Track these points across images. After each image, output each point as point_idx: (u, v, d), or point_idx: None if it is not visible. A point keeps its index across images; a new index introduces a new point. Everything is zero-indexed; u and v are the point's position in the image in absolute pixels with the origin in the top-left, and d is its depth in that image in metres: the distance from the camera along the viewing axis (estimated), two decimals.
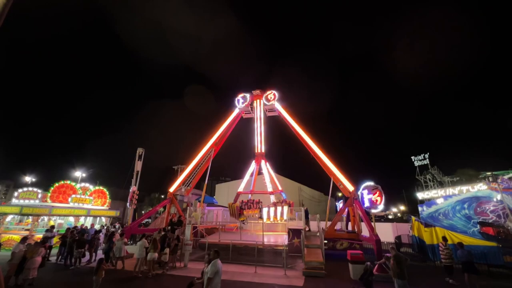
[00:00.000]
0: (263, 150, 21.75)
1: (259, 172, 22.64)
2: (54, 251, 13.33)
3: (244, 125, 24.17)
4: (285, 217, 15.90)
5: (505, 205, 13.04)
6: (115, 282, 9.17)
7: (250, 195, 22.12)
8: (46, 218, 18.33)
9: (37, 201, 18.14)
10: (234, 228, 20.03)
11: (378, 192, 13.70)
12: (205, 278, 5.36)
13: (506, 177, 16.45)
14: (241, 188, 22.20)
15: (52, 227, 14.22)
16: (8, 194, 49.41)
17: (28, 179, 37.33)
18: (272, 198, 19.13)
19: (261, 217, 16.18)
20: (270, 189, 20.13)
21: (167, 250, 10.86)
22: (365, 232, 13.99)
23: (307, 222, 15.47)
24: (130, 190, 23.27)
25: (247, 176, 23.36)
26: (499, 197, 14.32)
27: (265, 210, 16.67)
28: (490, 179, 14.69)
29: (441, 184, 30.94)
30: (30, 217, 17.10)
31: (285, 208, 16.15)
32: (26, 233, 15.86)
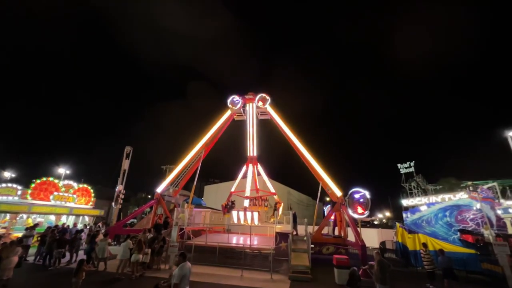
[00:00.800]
0: (255, 154, 21.67)
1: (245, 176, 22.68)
2: (32, 250, 12.77)
3: (235, 127, 24.13)
4: (256, 222, 16.52)
5: (484, 214, 13.59)
6: (96, 284, 8.88)
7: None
8: (25, 216, 17.57)
9: (16, 198, 17.35)
10: (221, 230, 19.87)
11: (364, 198, 13.98)
12: (172, 281, 5.14)
13: (485, 187, 17.20)
14: (233, 189, 21.93)
15: (35, 225, 13.59)
16: None
17: (7, 174, 35.70)
18: (246, 203, 18.93)
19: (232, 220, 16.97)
20: (247, 193, 19.96)
21: (148, 251, 10.65)
22: (351, 237, 14.20)
23: (294, 226, 15.56)
24: (116, 189, 22.74)
25: (239, 178, 23.11)
26: (478, 206, 14.92)
27: (234, 213, 16.98)
28: (471, 188, 15.28)
29: (425, 192, 31.87)
30: (7, 214, 16.35)
31: (255, 214, 16.81)
32: (3, 231, 15.14)
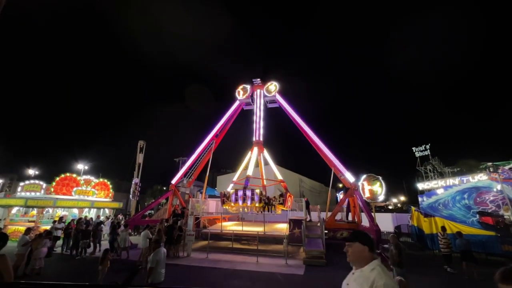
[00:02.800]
0: (261, 139, 20.69)
1: (256, 165, 22.08)
2: (59, 242, 13.60)
3: (245, 117, 24.06)
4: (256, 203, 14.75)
5: (505, 195, 13.11)
6: (120, 272, 9.40)
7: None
8: (50, 210, 18.60)
9: (41, 193, 18.35)
10: (235, 218, 20.31)
11: (378, 183, 13.80)
12: (148, 265, 5.42)
13: (506, 167, 16.48)
14: (235, 178, 21.28)
15: (61, 218, 14.40)
16: (12, 187, 49.95)
17: (31, 172, 37.70)
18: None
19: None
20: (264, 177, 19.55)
21: (164, 238, 11.10)
22: (365, 222, 14.17)
23: (307, 213, 15.67)
24: (133, 182, 23.57)
25: (242, 166, 22.36)
26: (499, 187, 14.39)
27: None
28: (491, 169, 14.71)
29: (441, 175, 30.99)
30: (35, 209, 17.37)
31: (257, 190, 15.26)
32: (32, 224, 16.14)
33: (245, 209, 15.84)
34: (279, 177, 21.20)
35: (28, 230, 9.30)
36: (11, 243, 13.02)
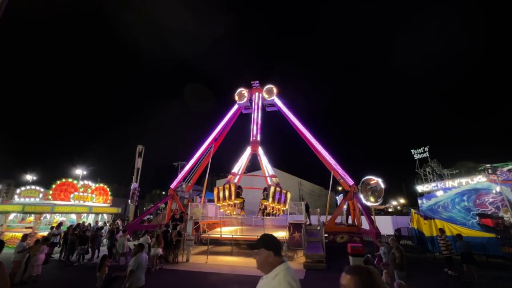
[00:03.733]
0: (257, 138, 20.29)
1: (256, 168, 21.65)
2: (58, 248, 13.44)
3: (244, 121, 24.08)
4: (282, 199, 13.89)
5: (504, 197, 13.13)
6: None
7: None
8: (48, 216, 18.44)
9: (38, 199, 18.21)
10: (236, 223, 20.17)
11: (377, 186, 13.80)
12: (128, 269, 5.42)
13: (505, 169, 16.53)
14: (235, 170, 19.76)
15: (59, 224, 14.23)
16: (9, 193, 49.55)
17: (29, 177, 37.48)
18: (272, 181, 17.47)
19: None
20: (268, 173, 18.16)
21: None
22: (365, 225, 14.12)
23: (307, 216, 15.60)
24: (131, 187, 23.45)
25: (239, 163, 21.89)
26: (498, 189, 14.42)
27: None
28: (490, 171, 14.75)
29: (440, 177, 31.04)
30: (32, 215, 17.21)
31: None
32: (29, 230, 15.97)
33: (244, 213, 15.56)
34: (271, 172, 18.96)
35: (25, 237, 9.20)
36: (8, 250, 12.90)
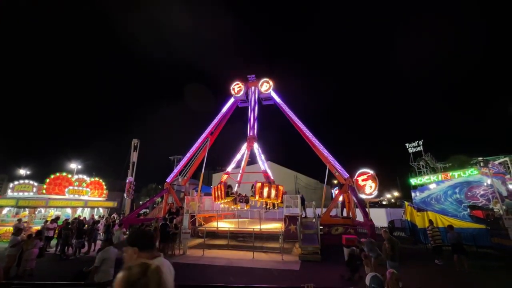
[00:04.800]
0: (255, 134, 20.00)
1: (253, 162, 21.55)
2: (54, 242, 13.41)
3: (241, 115, 23.97)
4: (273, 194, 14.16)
5: (495, 189, 13.43)
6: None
7: (237, 185, 21.55)
8: (43, 210, 18.31)
9: (32, 193, 18.03)
10: (231, 216, 20.32)
11: (371, 179, 13.96)
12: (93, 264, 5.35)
13: (496, 162, 16.86)
14: (229, 169, 19.72)
15: (56, 218, 14.12)
16: (2, 187, 48.96)
17: (22, 172, 36.96)
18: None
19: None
20: (263, 168, 17.72)
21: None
22: (360, 217, 14.34)
23: (303, 209, 15.75)
24: (127, 181, 23.34)
25: (236, 159, 20.85)
26: (489, 181, 14.72)
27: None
28: (481, 164, 15.04)
29: (434, 170, 31.53)
30: (26, 209, 17.07)
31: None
32: (24, 225, 15.86)
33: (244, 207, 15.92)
34: (264, 168, 18.09)
35: (19, 231, 9.14)
36: (2, 244, 12.82)
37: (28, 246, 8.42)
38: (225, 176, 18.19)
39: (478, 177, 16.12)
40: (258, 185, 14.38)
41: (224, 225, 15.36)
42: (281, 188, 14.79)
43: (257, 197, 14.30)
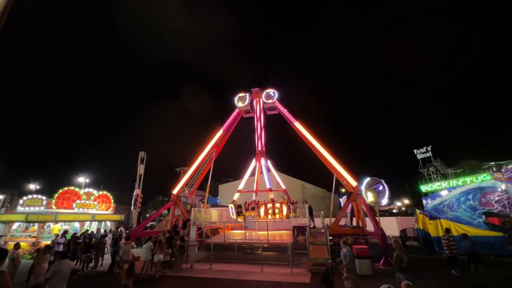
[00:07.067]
0: (263, 148, 21.35)
1: (261, 172, 22.05)
2: None
3: (245, 125, 24.13)
4: (284, 212, 16.15)
5: (510, 195, 12.97)
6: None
7: (254, 195, 21.87)
8: (51, 225, 18.44)
9: (42, 208, 18.25)
10: (238, 227, 20.07)
11: (381, 186, 13.69)
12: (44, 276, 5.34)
13: (510, 166, 16.35)
14: (241, 187, 21.62)
15: (65, 232, 14.15)
16: (13, 202, 49.73)
17: (32, 186, 37.55)
18: (270, 196, 18.65)
19: (258, 215, 16.81)
20: (268, 185, 19.59)
21: (169, 251, 10.95)
22: (370, 227, 13.96)
23: (311, 219, 15.47)
24: (134, 194, 23.43)
25: (247, 175, 22.84)
26: (503, 187, 14.25)
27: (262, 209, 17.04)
28: (494, 169, 14.62)
29: (444, 176, 30.76)
30: (35, 224, 17.23)
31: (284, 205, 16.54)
32: (33, 239, 15.98)
33: (249, 217, 17.27)
34: (282, 186, 22.11)
35: (17, 245, 9.16)
36: (25, 260, 12.88)
37: (40, 261, 8.36)
38: (237, 195, 19.81)
39: (492, 183, 15.64)
40: (270, 205, 16.31)
41: (231, 236, 15.16)
42: (285, 206, 16.15)
43: (253, 214, 16.77)
